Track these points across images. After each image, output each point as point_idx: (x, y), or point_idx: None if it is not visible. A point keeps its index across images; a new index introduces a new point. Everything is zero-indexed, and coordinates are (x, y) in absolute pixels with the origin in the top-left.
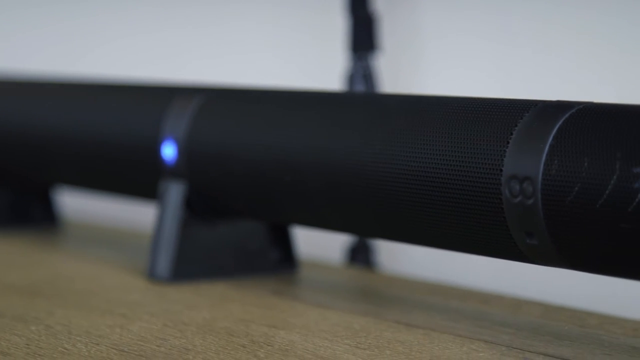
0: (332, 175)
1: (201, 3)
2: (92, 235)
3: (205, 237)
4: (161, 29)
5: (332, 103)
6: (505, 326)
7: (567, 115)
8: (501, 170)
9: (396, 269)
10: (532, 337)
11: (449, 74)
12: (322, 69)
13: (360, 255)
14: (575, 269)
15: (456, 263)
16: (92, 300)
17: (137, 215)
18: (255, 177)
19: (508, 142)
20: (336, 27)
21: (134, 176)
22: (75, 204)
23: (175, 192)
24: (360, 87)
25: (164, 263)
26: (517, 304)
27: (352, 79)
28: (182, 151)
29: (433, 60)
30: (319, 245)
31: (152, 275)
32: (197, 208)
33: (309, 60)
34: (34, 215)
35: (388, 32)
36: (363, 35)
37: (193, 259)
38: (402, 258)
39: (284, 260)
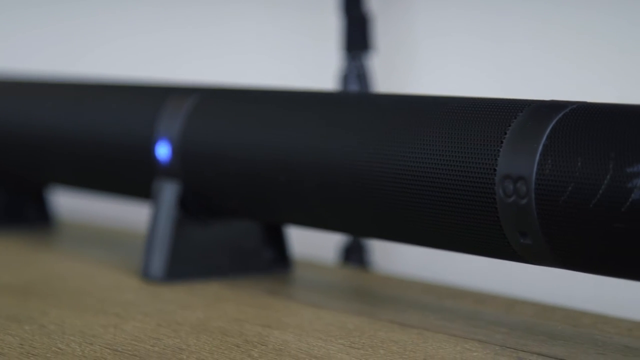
0: (327, 175)
1: (196, 3)
2: (86, 235)
3: (199, 237)
4: (157, 29)
5: (327, 103)
6: (499, 326)
7: (560, 115)
8: (495, 170)
9: (390, 268)
10: (526, 336)
11: (443, 73)
12: (317, 68)
13: (354, 255)
14: (569, 269)
15: (450, 263)
16: (86, 300)
17: (131, 215)
18: (250, 177)
19: (502, 142)
20: (330, 27)
21: (128, 176)
22: (69, 203)
23: (169, 191)
24: (354, 87)
25: (158, 263)
26: (511, 304)
27: (346, 78)
28: (176, 151)
29: (427, 60)
30: (313, 244)
31: (146, 275)
32: (191, 208)
33: (303, 60)
34: (28, 215)
35: (382, 32)
36: (357, 35)
37: (187, 259)
38: (396, 258)
39: (278, 259)
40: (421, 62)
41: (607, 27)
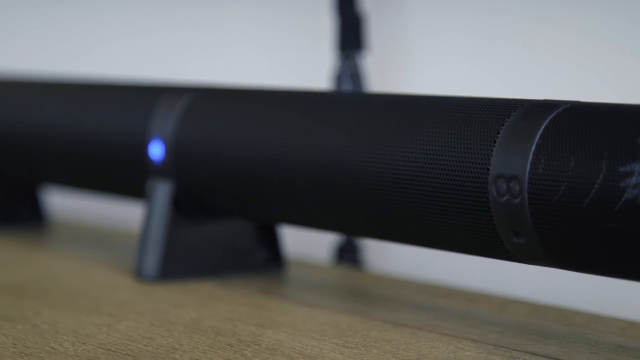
0: (320, 175)
1: (190, 4)
2: (79, 235)
3: (192, 236)
4: (151, 29)
5: (320, 102)
6: (492, 325)
7: (553, 115)
8: (488, 169)
9: (384, 268)
10: (519, 335)
11: (437, 73)
12: (310, 68)
13: (347, 255)
14: (562, 268)
15: (444, 262)
16: (80, 300)
17: (124, 214)
18: (243, 177)
19: (495, 142)
20: (324, 26)
21: (122, 175)
22: (62, 203)
23: (162, 191)
24: (348, 87)
25: (152, 262)
26: (504, 303)
27: (339, 78)
28: (170, 150)
29: (420, 60)
30: (306, 244)
31: (139, 274)
32: (184, 207)
33: (296, 59)
34: (22, 214)
35: (375, 31)
36: (351, 35)
37: (180, 258)
38: (389, 257)
39: (271, 259)
40: (415, 62)
41: (602, 25)
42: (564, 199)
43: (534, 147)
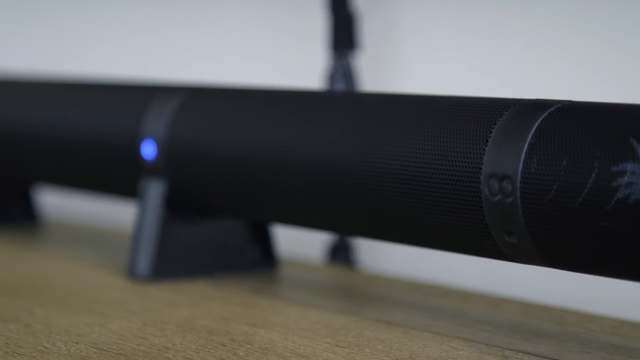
0: (313, 174)
1: (183, 4)
2: (72, 234)
3: (185, 236)
4: (146, 29)
5: (313, 102)
6: (484, 324)
7: (546, 114)
8: (480, 168)
9: (376, 267)
10: (512, 335)
11: (430, 72)
12: (303, 67)
13: (340, 254)
14: (554, 267)
15: (436, 261)
16: (72, 299)
17: (117, 214)
18: (236, 176)
19: (487, 141)
20: (316, 25)
21: (115, 175)
22: (55, 202)
23: (155, 190)
24: (340, 86)
25: (144, 261)
26: (497, 302)
27: (332, 77)
28: (162, 150)
29: (413, 59)
30: (299, 243)
31: (132, 273)
32: (177, 206)
33: (289, 58)
34: (15, 214)
35: (368, 30)
36: (343, 34)
37: (173, 258)
38: (382, 256)
39: (264, 258)
40: (407, 61)
41: (597, 23)
42: (557, 198)
43: (526, 146)
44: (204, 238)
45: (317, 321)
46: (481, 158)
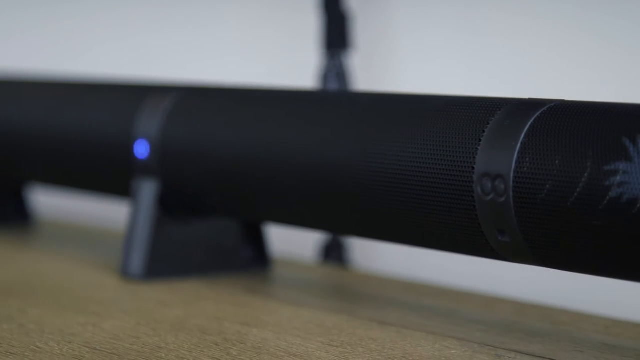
0: (306, 173)
1: (177, 3)
2: (65, 234)
3: (178, 235)
4: (140, 29)
5: (306, 101)
6: (477, 323)
7: (538, 113)
8: (473, 168)
9: (370, 266)
10: (505, 334)
11: (423, 71)
12: (296, 67)
13: (333, 253)
14: (547, 267)
15: (429, 261)
16: (65, 299)
17: (110, 213)
18: (229, 175)
19: (480, 140)
20: (310, 25)
21: (108, 174)
22: (48, 202)
23: (148, 190)
24: (333, 85)
25: (137, 261)
26: (490, 302)
27: (325, 77)
28: (155, 149)
29: (406, 58)
30: (292, 243)
31: (125, 273)
32: (170, 206)
33: (282, 58)
34: (7, 213)
35: (361, 30)
36: (336, 34)
37: (166, 257)
38: (375, 256)
39: (257, 258)
40: (400, 61)
41: (592, 21)
42: (549, 197)
43: (519, 145)
44: (197, 237)
45: (310, 320)
46: (474, 157)
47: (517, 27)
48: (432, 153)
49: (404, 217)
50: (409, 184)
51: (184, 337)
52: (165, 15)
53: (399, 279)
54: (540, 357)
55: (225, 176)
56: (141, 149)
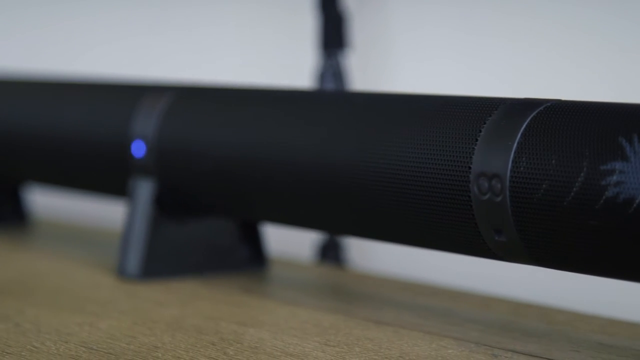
0: (302, 173)
1: (174, 4)
2: (62, 233)
3: (175, 235)
4: (135, 30)
5: (303, 101)
6: (474, 323)
7: (535, 113)
8: (470, 167)
9: (366, 266)
10: (501, 333)
11: (420, 71)
12: (293, 67)
13: (330, 253)
14: (543, 266)
15: (426, 260)
16: (62, 298)
17: (107, 213)
18: (225, 175)
19: (476, 140)
20: (306, 25)
21: (104, 174)
22: (45, 202)
23: (145, 189)
24: (330, 85)
25: (134, 261)
26: (486, 301)
27: (322, 76)
28: (152, 149)
29: (403, 58)
30: (289, 242)
31: (121, 272)
32: (166, 205)
33: (279, 58)
34: (4, 213)
35: (358, 30)
36: (333, 33)
37: (163, 257)
38: (372, 255)
39: (253, 257)
40: (397, 60)
41: (589, 21)
42: (546, 197)
43: (515, 145)
44: (193, 237)
45: (307, 320)
46: (470, 157)
47: (514, 27)
48: (428, 153)
49: (400, 216)
50: (406, 183)
51: (181, 336)
52: (163, 15)
53: (396, 279)
54: (536, 356)
55: (221, 176)
56: (138, 149)
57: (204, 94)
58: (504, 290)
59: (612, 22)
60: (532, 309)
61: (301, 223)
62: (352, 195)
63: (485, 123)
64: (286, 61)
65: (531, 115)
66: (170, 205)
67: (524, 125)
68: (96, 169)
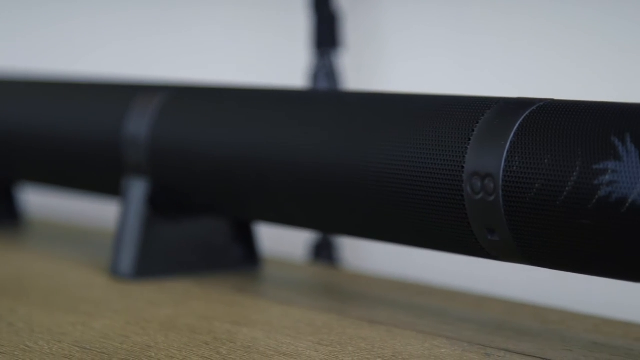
0: (296, 173)
1: (167, 4)
2: (55, 233)
3: (168, 234)
4: (132, 30)
5: (296, 101)
6: (467, 322)
7: (528, 112)
8: (463, 167)
9: (360, 265)
10: (494, 333)
11: (413, 70)
12: (286, 66)
13: (324, 252)
14: (536, 266)
15: (419, 260)
16: (55, 298)
17: (100, 212)
18: (219, 174)
19: (469, 139)
20: (300, 24)
21: (97, 173)
22: (38, 201)
23: (138, 189)
24: (323, 85)
25: (127, 260)
26: (480, 301)
27: (315, 76)
28: (145, 148)
29: (396, 58)
30: (282, 242)
31: (115, 272)
32: (160, 205)
33: (272, 57)
34: None
35: (351, 29)
36: (327, 33)
37: (156, 256)
38: (365, 255)
39: (247, 257)
40: (390, 60)
41: (584, 19)
42: (539, 196)
43: (508, 145)
44: (187, 237)
45: (300, 319)
46: (463, 156)
47: (507, 26)
48: (421, 152)
49: (393, 216)
50: (399, 183)
51: (174, 336)
52: (156, 15)
53: (389, 278)
54: (530, 355)
55: (215, 175)
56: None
57: (197, 93)
58: (497, 290)
59: (607, 21)
60: (525, 309)
61: (294, 222)
62: (346, 195)
63: (478, 122)
64: (279, 61)
65: (524, 115)
66: (164, 205)
67: (517, 125)
68: (89, 168)
